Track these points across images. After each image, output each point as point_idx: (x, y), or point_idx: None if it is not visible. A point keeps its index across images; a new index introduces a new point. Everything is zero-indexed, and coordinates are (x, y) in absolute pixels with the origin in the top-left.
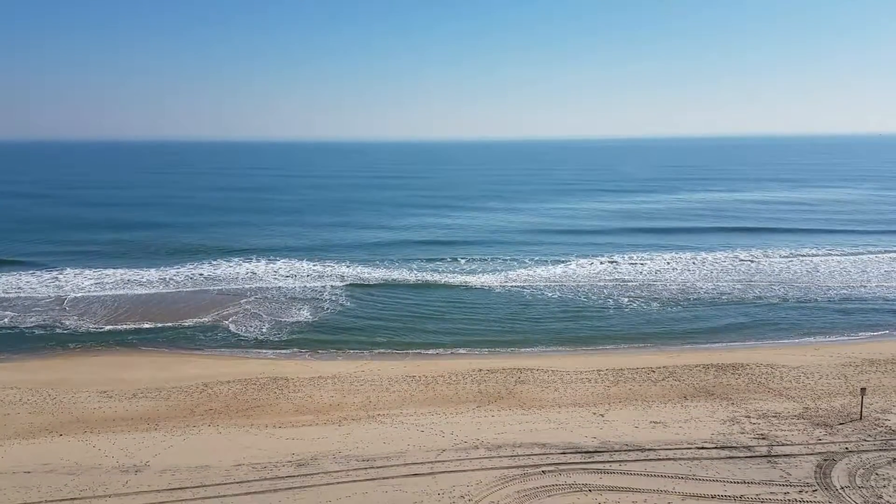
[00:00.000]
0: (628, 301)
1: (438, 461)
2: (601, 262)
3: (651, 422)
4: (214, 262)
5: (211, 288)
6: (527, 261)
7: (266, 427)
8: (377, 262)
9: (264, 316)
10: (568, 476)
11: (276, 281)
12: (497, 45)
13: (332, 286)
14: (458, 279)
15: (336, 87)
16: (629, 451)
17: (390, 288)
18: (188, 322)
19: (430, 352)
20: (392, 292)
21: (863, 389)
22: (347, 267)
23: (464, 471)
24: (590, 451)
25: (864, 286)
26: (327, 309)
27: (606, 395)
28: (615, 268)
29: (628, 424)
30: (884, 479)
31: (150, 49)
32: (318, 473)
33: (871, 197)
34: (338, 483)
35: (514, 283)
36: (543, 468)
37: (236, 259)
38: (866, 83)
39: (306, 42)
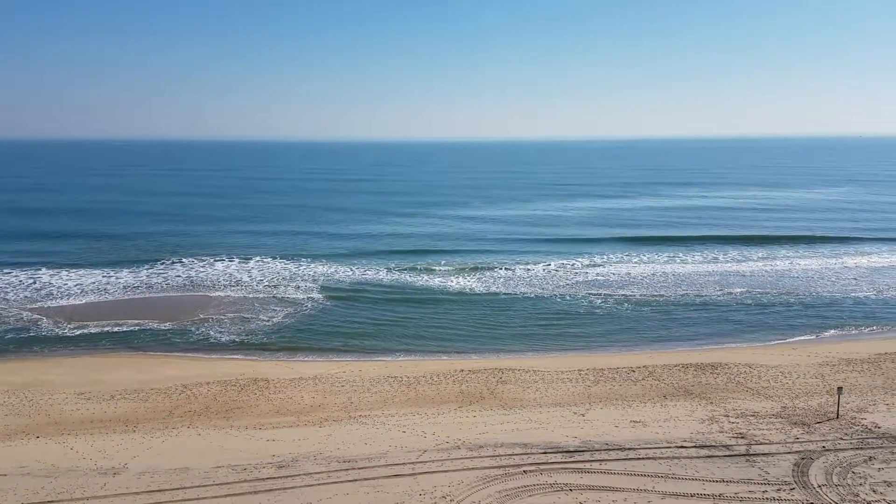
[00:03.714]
0: (608, 302)
1: (420, 462)
2: (580, 264)
3: (631, 421)
4: (188, 263)
5: (186, 289)
6: (506, 262)
7: (246, 428)
8: (356, 263)
9: (242, 317)
10: (549, 476)
11: (252, 282)
12: (475, 46)
13: (310, 287)
14: (437, 280)
15: (315, 87)
16: (609, 450)
17: (369, 288)
18: (165, 323)
19: (412, 352)
20: (371, 293)
21: (839, 388)
22: (325, 267)
23: (445, 471)
24: (571, 451)
25: (840, 288)
26: (306, 310)
27: (587, 394)
28: (594, 269)
29: (609, 424)
30: (860, 478)
31: (110, 48)
32: (299, 475)
33: (846, 199)
34: (319, 484)
35: (494, 285)
36: (525, 468)
37: (209, 259)
38: (838, 84)
39: (285, 42)
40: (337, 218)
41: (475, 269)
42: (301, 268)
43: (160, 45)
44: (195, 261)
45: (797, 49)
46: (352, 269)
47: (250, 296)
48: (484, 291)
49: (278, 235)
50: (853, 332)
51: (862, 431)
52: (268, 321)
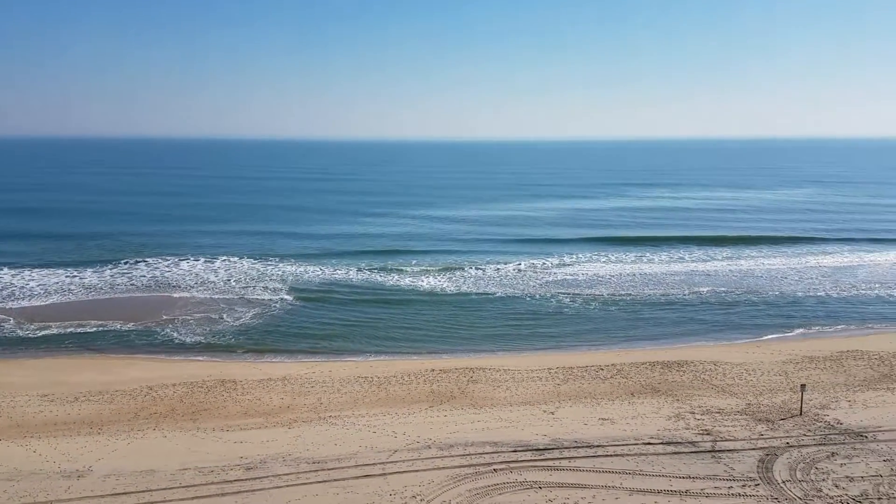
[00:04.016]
0: (576, 301)
1: (390, 462)
2: (550, 264)
3: (600, 418)
4: (152, 263)
5: (151, 289)
6: (477, 262)
7: (213, 430)
8: (325, 263)
9: (209, 317)
10: (519, 474)
11: (219, 282)
12: (440, 46)
13: (278, 287)
14: (408, 280)
15: (288, 85)
16: (579, 447)
17: (339, 289)
18: (130, 324)
19: (382, 353)
20: (341, 293)
21: (803, 386)
22: (294, 267)
23: (416, 471)
24: (540, 449)
25: (803, 287)
26: (275, 310)
27: (557, 393)
28: (564, 269)
29: (578, 421)
30: (823, 473)
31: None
32: (268, 476)
33: (809, 200)
34: (288, 486)
35: (464, 285)
36: (495, 466)
37: (175, 259)
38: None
39: (260, 39)
40: (307, 217)
41: (446, 269)
42: (269, 268)
43: (137, 42)
44: (160, 260)
45: (763, 51)
46: (321, 269)
47: (217, 296)
48: (455, 291)
49: (246, 235)
50: (816, 330)
51: (825, 428)
52: (235, 322)
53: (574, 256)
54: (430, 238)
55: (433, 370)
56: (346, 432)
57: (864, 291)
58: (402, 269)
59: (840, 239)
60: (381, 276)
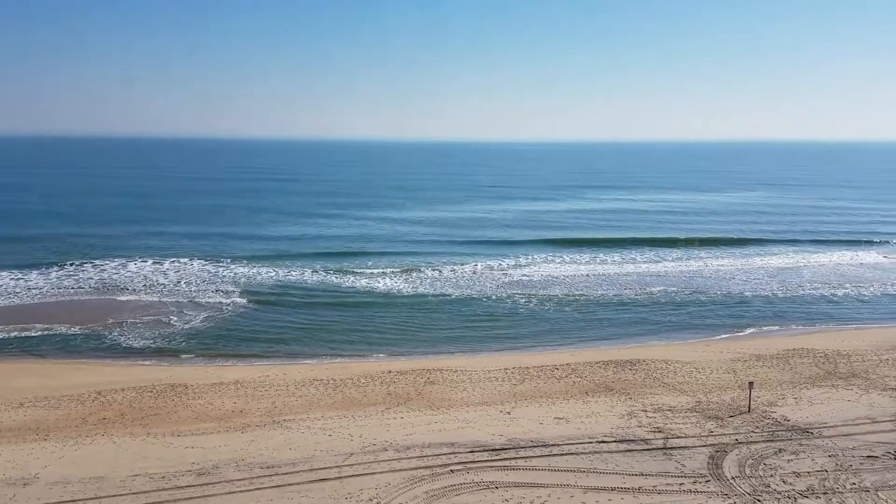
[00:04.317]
0: (532, 302)
1: (346, 465)
2: (506, 265)
3: (555, 418)
4: (100, 265)
5: (99, 291)
6: (433, 264)
7: (164, 436)
8: (280, 265)
9: (159, 320)
10: (475, 474)
11: (169, 284)
12: (395, 46)
13: (230, 290)
14: (364, 282)
15: (226, 83)
16: (534, 447)
17: (294, 291)
18: (76, 328)
19: (338, 355)
20: (296, 295)
21: (751, 383)
22: (247, 269)
23: (372, 473)
24: (497, 449)
25: (750, 287)
26: (227, 313)
27: (513, 393)
28: (519, 270)
29: (534, 421)
30: (771, 469)
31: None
32: (220, 482)
33: (757, 203)
34: (241, 491)
35: (421, 286)
36: (452, 467)
37: (122, 261)
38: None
39: (190, 32)
40: (261, 219)
41: (403, 270)
42: (221, 270)
43: (93, 39)
44: (107, 262)
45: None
46: (275, 271)
47: (166, 299)
48: (411, 293)
49: (198, 237)
50: (763, 329)
51: (772, 424)
52: (186, 325)
53: (530, 258)
54: (386, 239)
55: (390, 372)
56: (300, 436)
57: (808, 291)
58: (358, 271)
59: (785, 241)
60: (336, 277)
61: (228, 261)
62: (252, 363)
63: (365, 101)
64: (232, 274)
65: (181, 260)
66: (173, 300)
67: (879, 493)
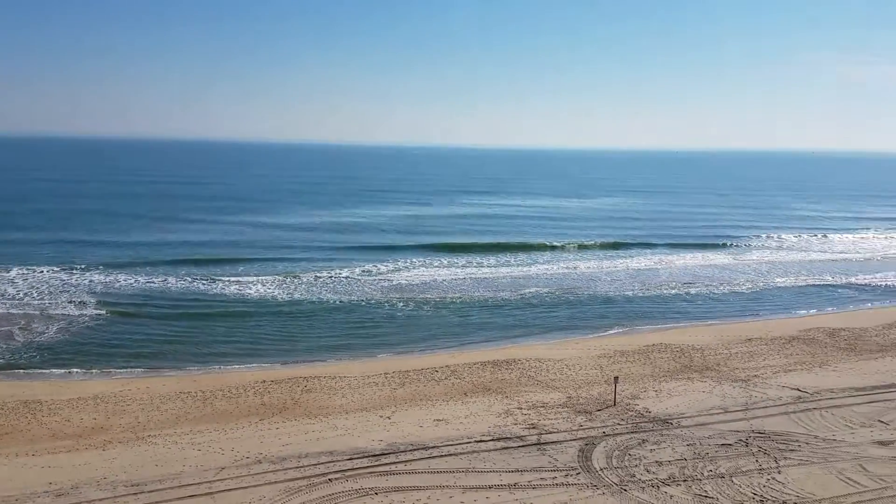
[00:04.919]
0: (409, 305)
1: (217, 480)
2: (385, 269)
3: (435, 420)
4: None
5: None
6: (310, 269)
7: (17, 456)
8: (140, 272)
9: (6, 332)
10: (355, 482)
11: (17, 293)
12: (306, 47)
13: (85, 300)
14: (234, 289)
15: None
16: (414, 450)
17: (156, 300)
18: None
19: (207, 365)
20: (158, 304)
21: (616, 378)
22: (104, 277)
23: (245, 487)
24: (377, 455)
25: (614, 288)
26: (83, 324)
27: (393, 397)
28: (398, 274)
29: (414, 425)
30: (635, 459)
31: None
32: (80, 503)
33: (619, 208)
34: None
35: (297, 292)
36: (330, 476)
37: None
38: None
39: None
40: (125, 224)
41: (276, 276)
42: (75, 278)
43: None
44: None
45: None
46: (136, 279)
47: (14, 310)
48: (287, 299)
49: (50, 243)
50: (626, 326)
51: (636, 416)
52: (37, 337)
53: (408, 261)
54: (260, 245)
55: (264, 381)
56: (167, 451)
57: (665, 291)
58: (228, 278)
59: (643, 244)
60: (204, 284)
61: (82, 268)
62: (112, 377)
63: (265, 102)
64: (87, 282)
65: (30, 268)
66: (22, 312)
67: (734, 479)
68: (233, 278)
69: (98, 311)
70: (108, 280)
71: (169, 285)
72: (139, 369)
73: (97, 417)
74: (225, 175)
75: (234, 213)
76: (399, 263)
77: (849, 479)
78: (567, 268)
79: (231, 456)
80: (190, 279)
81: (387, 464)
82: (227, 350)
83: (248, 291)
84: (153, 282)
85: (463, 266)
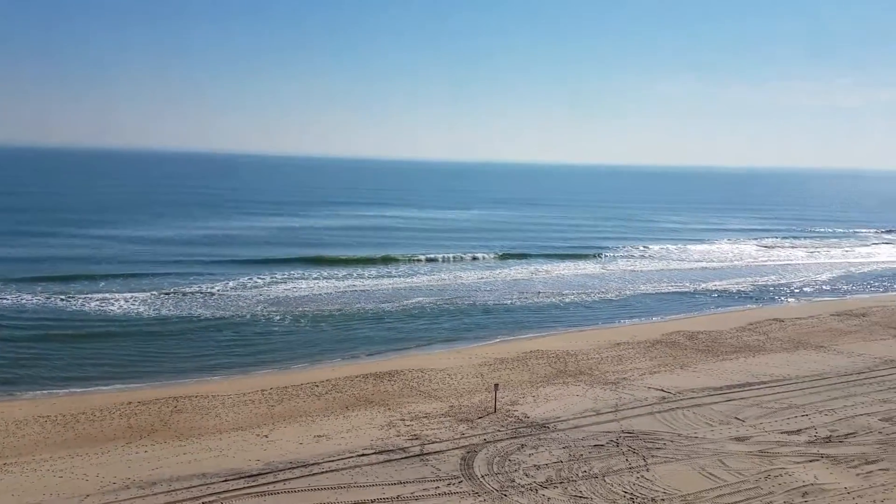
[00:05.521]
0: (286, 319)
1: None
2: (261, 282)
3: (315, 436)
4: None
5: None
6: (178, 284)
7: None
8: None
9: None
10: (230, 503)
11: None
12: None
13: None
14: (94, 305)
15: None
16: (293, 468)
17: (9, 318)
18: None
19: (68, 387)
20: (9, 323)
21: (496, 385)
22: None
23: None
24: (254, 475)
25: (494, 297)
26: None
27: (270, 414)
28: (274, 287)
29: (293, 442)
30: (515, 464)
31: None
32: None
33: (500, 220)
34: None
35: (164, 308)
36: (203, 500)
37: None
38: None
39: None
40: None
41: (142, 292)
42: None
43: None
44: None
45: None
46: None
47: None
48: (154, 316)
49: None
50: (505, 334)
51: (515, 422)
52: None
53: (286, 274)
54: (124, 260)
55: (130, 403)
56: (25, 480)
57: (541, 299)
58: (88, 295)
59: (521, 255)
60: (61, 301)
61: None
62: None
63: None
64: None
65: None
66: None
67: (606, 479)
68: (94, 294)
69: None
70: None
71: (23, 302)
72: None
73: None
74: (78, 186)
75: (95, 226)
76: (276, 276)
77: (710, 474)
78: (448, 279)
79: (96, 482)
80: (46, 296)
81: (264, 484)
82: (88, 371)
83: (111, 308)
84: (5, 299)
85: (343, 278)
